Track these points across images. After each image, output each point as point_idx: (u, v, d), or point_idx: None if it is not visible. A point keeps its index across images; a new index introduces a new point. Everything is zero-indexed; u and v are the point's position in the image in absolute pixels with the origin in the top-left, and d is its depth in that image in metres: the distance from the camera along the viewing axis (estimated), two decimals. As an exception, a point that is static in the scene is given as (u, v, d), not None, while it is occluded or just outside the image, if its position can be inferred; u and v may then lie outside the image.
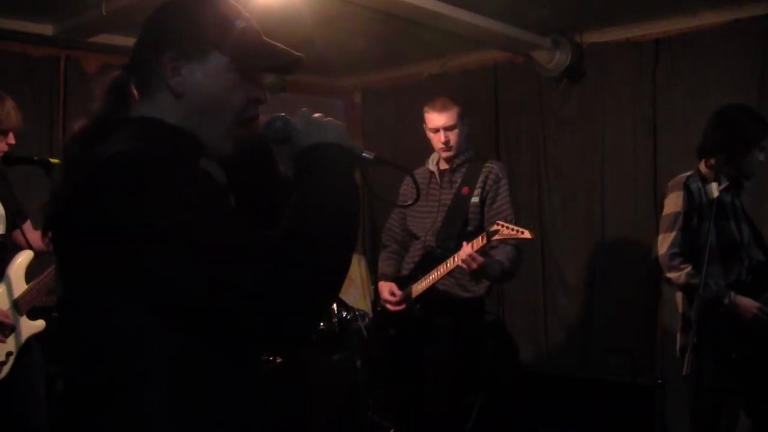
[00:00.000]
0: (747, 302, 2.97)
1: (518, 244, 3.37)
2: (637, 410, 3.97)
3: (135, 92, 1.31)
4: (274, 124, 1.36)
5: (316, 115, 1.36)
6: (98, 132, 1.25)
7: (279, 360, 3.63)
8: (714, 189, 2.82)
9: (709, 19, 4.16)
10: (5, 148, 2.84)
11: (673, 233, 3.07)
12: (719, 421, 3.08)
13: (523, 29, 4.34)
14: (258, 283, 1.12)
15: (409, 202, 1.39)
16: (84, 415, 1.22)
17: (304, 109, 1.37)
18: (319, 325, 3.77)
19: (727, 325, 2.99)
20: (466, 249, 3.19)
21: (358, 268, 5.14)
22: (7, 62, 4.26)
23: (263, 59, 1.34)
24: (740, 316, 2.97)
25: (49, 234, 1.25)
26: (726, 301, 2.97)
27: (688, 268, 3.04)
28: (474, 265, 3.18)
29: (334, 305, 3.88)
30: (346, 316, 3.92)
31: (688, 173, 3.13)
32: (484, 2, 3.90)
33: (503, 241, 3.27)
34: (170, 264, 1.12)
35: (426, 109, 3.52)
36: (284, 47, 1.36)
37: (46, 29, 4.22)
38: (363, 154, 1.38)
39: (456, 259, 3.25)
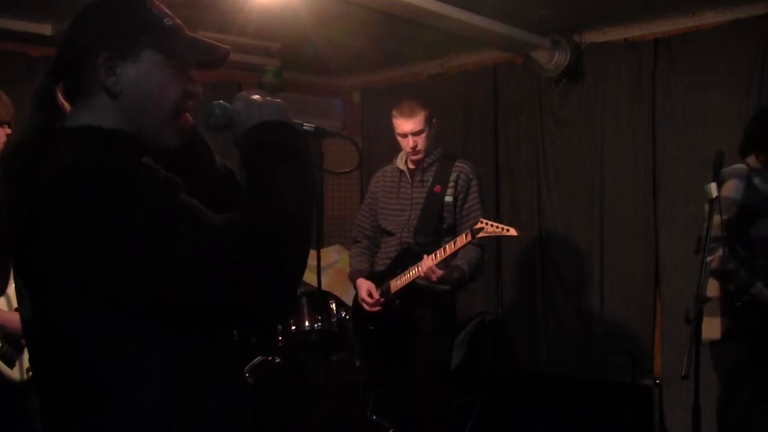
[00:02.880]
0: None
1: (483, 245, 3.50)
2: (637, 410, 3.97)
3: (62, 98, 1.31)
4: (213, 111, 1.38)
5: (254, 96, 1.38)
6: (39, 144, 1.25)
7: (278, 360, 3.63)
8: (712, 189, 2.80)
9: (708, 19, 4.16)
10: (4, 138, 2.84)
11: (722, 218, 3.00)
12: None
13: (523, 29, 4.34)
14: (232, 269, 1.15)
15: (348, 170, 1.49)
16: (77, 422, 1.22)
17: (241, 92, 1.39)
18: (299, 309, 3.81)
19: (756, 318, 2.98)
20: (427, 262, 3.34)
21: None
22: (7, 62, 4.27)
23: (195, 54, 1.36)
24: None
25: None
26: (753, 291, 2.96)
27: (721, 252, 3.01)
28: (433, 278, 3.34)
29: (333, 305, 3.87)
30: (345, 315, 3.91)
31: (743, 165, 3.13)
32: (483, 2, 3.90)
33: (486, 239, 3.38)
34: (145, 262, 1.13)
35: (394, 113, 3.59)
36: (212, 42, 1.38)
37: (45, 29, 4.22)
38: (304, 127, 1.44)
39: (418, 270, 3.40)
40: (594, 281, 4.61)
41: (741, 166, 3.13)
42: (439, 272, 3.34)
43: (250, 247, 1.16)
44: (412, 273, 3.46)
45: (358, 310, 3.71)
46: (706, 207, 2.94)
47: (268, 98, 1.37)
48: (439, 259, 3.36)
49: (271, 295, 1.19)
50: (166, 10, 1.36)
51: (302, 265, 1.27)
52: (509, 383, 4.37)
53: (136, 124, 1.30)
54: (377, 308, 3.56)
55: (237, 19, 3.84)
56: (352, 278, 3.74)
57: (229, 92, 4.38)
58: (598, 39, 4.58)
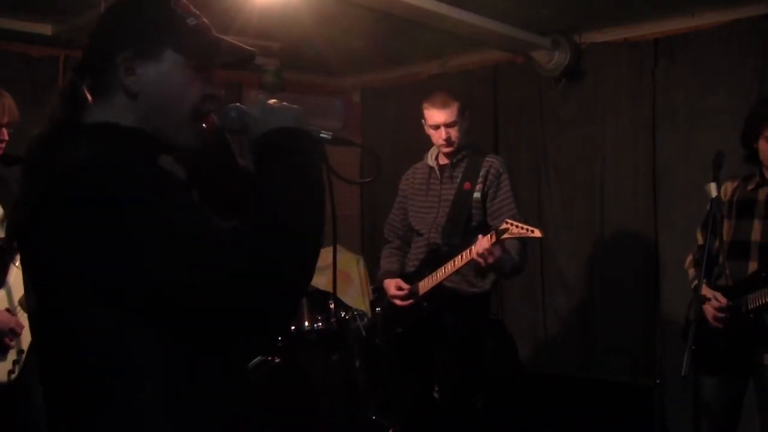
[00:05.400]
0: (708, 307, 2.90)
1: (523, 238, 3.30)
2: (637, 410, 3.97)
3: (88, 95, 1.30)
4: (229, 114, 1.36)
5: (271, 101, 1.37)
6: (56, 139, 1.25)
7: (278, 360, 3.63)
8: (712, 189, 2.80)
9: (708, 19, 4.15)
10: None
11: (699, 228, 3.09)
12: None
13: (523, 29, 4.34)
14: (234, 276, 1.14)
15: (369, 179, 1.44)
16: (77, 420, 1.22)
17: (260, 96, 1.38)
18: (298, 318, 3.78)
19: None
20: (483, 243, 3.08)
21: (356, 268, 5.13)
22: (8, 62, 4.28)
23: (217, 55, 1.35)
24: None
25: (15, 244, 1.25)
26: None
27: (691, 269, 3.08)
28: (490, 260, 3.09)
29: (332, 305, 3.87)
30: (345, 316, 3.92)
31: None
32: (483, 2, 3.90)
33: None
34: (146, 264, 1.13)
35: (425, 105, 3.43)
36: (237, 43, 1.37)
37: (46, 29, 4.22)
38: (321, 135, 1.41)
39: (471, 252, 3.15)
40: (594, 280, 4.61)
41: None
42: (497, 253, 3.07)
43: (251, 256, 1.15)
44: (441, 273, 3.31)
45: (388, 311, 3.60)
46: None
47: (285, 104, 1.35)
48: (464, 261, 3.19)
49: (269, 306, 1.18)
50: (192, 10, 1.34)
51: (305, 277, 1.25)
52: (510, 383, 4.36)
53: (154, 124, 1.29)
54: (409, 302, 3.41)
55: (237, 18, 3.84)
56: (380, 279, 3.62)
57: (229, 93, 4.38)
58: (599, 39, 4.57)
